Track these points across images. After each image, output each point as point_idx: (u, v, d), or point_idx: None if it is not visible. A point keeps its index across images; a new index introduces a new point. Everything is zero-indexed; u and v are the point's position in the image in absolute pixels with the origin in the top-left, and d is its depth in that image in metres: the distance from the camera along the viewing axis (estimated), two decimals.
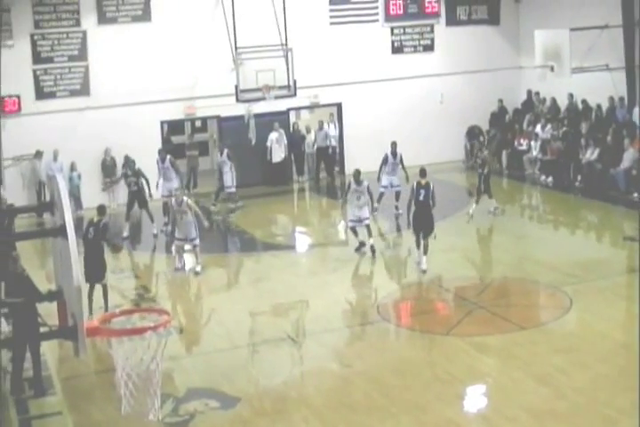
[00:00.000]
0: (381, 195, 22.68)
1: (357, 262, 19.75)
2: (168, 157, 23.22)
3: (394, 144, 22.82)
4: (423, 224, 18.47)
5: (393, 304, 17.40)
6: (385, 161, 22.77)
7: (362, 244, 19.94)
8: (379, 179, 22.74)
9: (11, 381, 13.23)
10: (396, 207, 22.79)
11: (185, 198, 19.13)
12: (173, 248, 19.67)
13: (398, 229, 22.03)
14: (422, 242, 18.43)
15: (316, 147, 28.29)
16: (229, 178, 24.61)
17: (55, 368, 14.17)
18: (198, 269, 19.18)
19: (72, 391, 13.44)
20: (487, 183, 22.41)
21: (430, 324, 15.89)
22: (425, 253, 18.38)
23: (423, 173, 18.72)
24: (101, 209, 16.91)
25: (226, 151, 24.67)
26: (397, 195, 22.77)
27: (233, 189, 24.81)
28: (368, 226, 19.87)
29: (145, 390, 11.35)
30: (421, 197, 18.32)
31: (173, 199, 19.44)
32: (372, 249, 19.68)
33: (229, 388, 13.19)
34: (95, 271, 16.20)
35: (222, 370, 13.91)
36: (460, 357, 14.02)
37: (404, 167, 22.57)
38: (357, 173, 19.76)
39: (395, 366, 13.83)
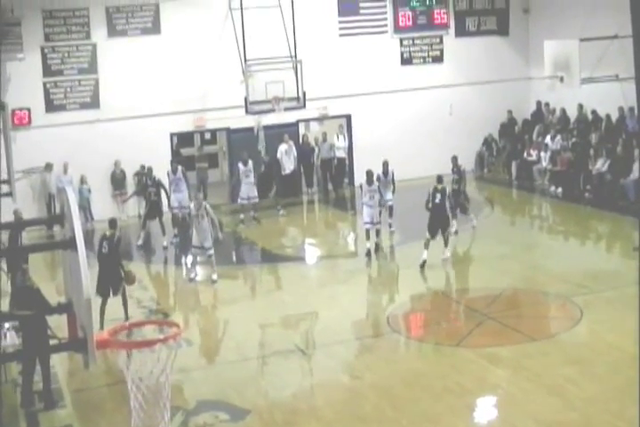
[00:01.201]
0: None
1: (367, 274, 19.78)
2: (180, 167, 23.43)
3: (386, 164, 22.09)
4: (439, 224, 19.77)
5: (403, 316, 17.39)
6: (372, 182, 21.25)
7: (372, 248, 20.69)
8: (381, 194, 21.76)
9: (21, 393, 13.25)
10: (390, 225, 22.33)
11: (204, 202, 19.36)
12: (189, 258, 19.82)
13: (405, 242, 21.94)
14: (443, 236, 19.81)
15: (320, 159, 28.29)
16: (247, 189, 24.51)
17: (65, 381, 14.18)
18: (215, 277, 19.27)
19: (82, 404, 13.46)
20: (460, 198, 21.94)
21: (440, 335, 15.91)
22: (446, 245, 19.89)
23: (440, 179, 20.18)
24: (113, 223, 16.93)
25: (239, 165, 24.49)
26: (391, 209, 22.42)
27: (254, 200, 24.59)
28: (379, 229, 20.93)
29: (155, 402, 11.37)
30: (437, 201, 19.78)
31: (192, 203, 19.64)
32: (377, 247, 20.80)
33: (239, 400, 13.18)
34: (112, 284, 16.30)
35: (232, 382, 13.89)
36: (470, 368, 13.99)
37: (394, 182, 22.23)
38: (370, 174, 20.86)
39: (405, 378, 13.79)
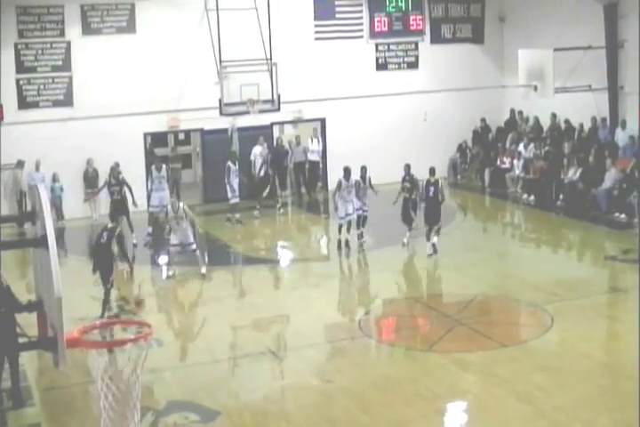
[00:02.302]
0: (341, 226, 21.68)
1: (339, 278, 19.79)
2: (164, 166, 23.61)
3: (364, 169, 21.86)
4: (433, 216, 20.60)
5: (374, 320, 17.39)
6: (349, 177, 21.54)
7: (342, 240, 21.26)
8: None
9: None
10: (361, 235, 21.91)
11: (181, 204, 19.46)
12: (166, 256, 19.84)
13: (378, 247, 21.92)
14: (433, 229, 20.60)
15: (293, 162, 28.25)
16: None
17: (34, 379, 14.03)
18: (203, 270, 19.55)
19: (51, 403, 13.33)
20: (408, 210, 21.52)
21: (412, 340, 15.93)
22: (437, 235, 20.72)
23: (433, 171, 21.04)
24: (115, 216, 17.98)
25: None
26: (365, 219, 21.98)
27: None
28: (350, 221, 21.26)
29: (124, 402, 11.25)
30: (431, 194, 20.54)
31: (169, 206, 19.72)
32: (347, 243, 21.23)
33: (209, 401, 13.10)
34: (102, 274, 16.82)
35: (203, 383, 13.81)
36: (441, 373, 13.98)
37: (372, 187, 22.05)
38: (348, 170, 21.34)
39: (376, 382, 13.76)
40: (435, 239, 20.67)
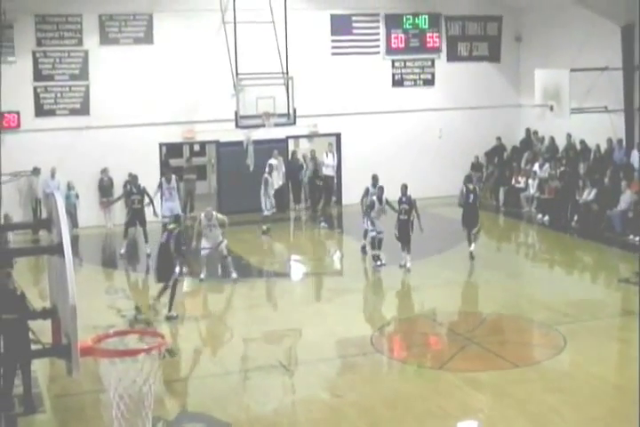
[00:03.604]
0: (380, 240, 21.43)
1: (353, 293, 19.74)
2: (174, 177, 23.85)
3: (381, 188, 21.44)
4: (470, 221, 21.77)
5: (387, 336, 17.32)
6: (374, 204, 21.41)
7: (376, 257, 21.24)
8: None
9: (0, 397, 13.07)
10: (377, 257, 21.40)
11: (214, 213, 20.07)
12: (200, 260, 20.16)
13: (390, 263, 21.79)
14: (471, 234, 21.78)
15: (308, 176, 28.27)
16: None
17: (46, 386, 14.03)
18: (234, 275, 20.17)
19: (62, 410, 13.32)
20: (407, 232, 21.00)
21: (423, 357, 15.86)
22: (475, 241, 21.97)
23: (470, 179, 23.13)
24: (177, 218, 18.70)
25: None
26: (380, 242, 21.41)
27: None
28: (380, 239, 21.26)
29: (136, 412, 11.22)
30: (470, 200, 21.87)
31: (203, 214, 20.08)
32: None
33: (220, 413, 13.05)
34: (162, 272, 17.76)
35: (214, 395, 13.77)
36: (452, 392, 13.89)
37: (391, 206, 21.68)
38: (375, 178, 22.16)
39: (386, 399, 13.70)
40: (472, 246, 21.67)
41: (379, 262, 21.24)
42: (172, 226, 18.08)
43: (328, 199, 28.51)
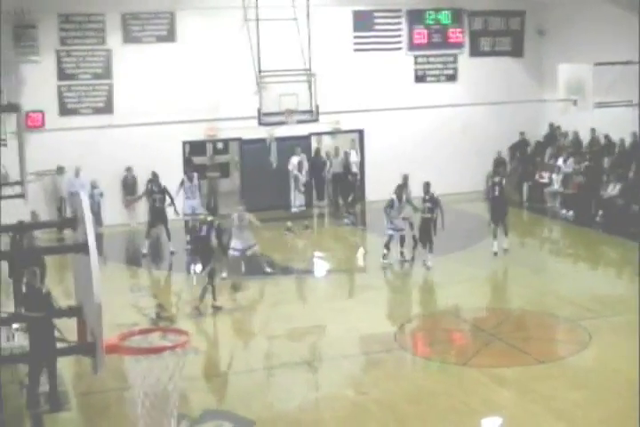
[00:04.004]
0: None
1: (376, 289, 19.76)
2: (196, 175, 23.85)
3: (400, 187, 21.42)
4: (499, 214, 21.76)
5: (410, 333, 17.38)
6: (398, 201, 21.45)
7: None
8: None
9: (27, 395, 13.19)
10: (401, 254, 21.61)
11: (247, 214, 20.10)
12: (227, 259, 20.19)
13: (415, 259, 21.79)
14: (501, 226, 21.72)
15: (332, 173, 28.30)
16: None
17: (72, 384, 14.15)
18: (268, 270, 20.58)
19: (88, 408, 13.46)
20: (429, 231, 20.87)
21: (447, 354, 15.86)
22: (506, 234, 21.87)
23: (497, 171, 23.38)
24: (214, 211, 18.84)
25: None
26: (403, 240, 21.55)
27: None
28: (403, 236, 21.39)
29: (161, 409, 11.27)
30: (497, 193, 21.88)
31: (235, 214, 20.15)
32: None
33: (244, 410, 13.12)
34: (202, 261, 18.19)
35: (238, 392, 13.88)
36: (476, 388, 13.91)
37: (412, 204, 21.96)
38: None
39: (411, 395, 13.72)
40: (505, 244, 21.70)
41: (386, 261, 21.19)
42: (210, 218, 18.48)
43: (357, 196, 28.43)
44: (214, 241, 18.13)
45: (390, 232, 21.16)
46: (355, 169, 28.21)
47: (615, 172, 25.17)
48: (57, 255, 18.02)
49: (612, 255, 23.19)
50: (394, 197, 21.08)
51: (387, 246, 21.15)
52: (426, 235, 20.82)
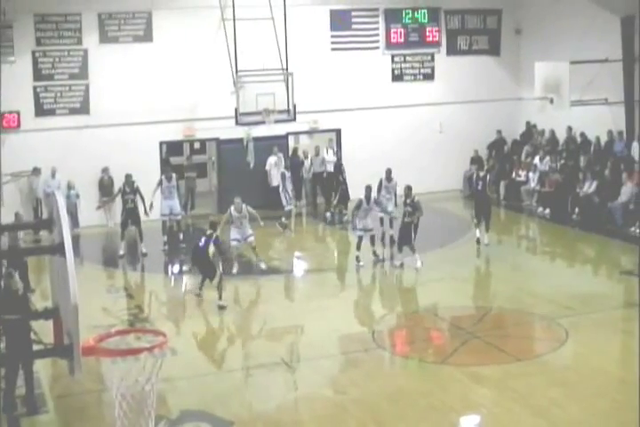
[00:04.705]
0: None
1: (354, 289, 19.77)
2: (174, 175, 23.74)
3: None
4: (483, 210, 22.12)
5: (389, 332, 17.36)
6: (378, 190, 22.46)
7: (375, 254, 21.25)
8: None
9: (3, 398, 13.10)
10: (373, 253, 21.51)
11: (244, 205, 20.32)
12: (231, 251, 20.48)
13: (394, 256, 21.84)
14: (483, 222, 22.05)
15: (312, 172, 28.25)
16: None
17: (48, 386, 14.05)
18: (263, 266, 20.82)
19: (65, 410, 13.34)
20: (409, 235, 20.77)
21: (425, 352, 15.86)
22: (487, 230, 22.19)
23: (481, 166, 23.73)
24: (213, 224, 18.66)
25: None
26: (373, 238, 21.37)
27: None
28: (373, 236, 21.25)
29: (139, 411, 11.26)
30: (479, 188, 22.15)
31: (232, 207, 20.34)
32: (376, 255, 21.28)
33: (223, 411, 13.07)
34: (205, 273, 18.45)
35: (216, 393, 13.79)
36: (455, 386, 13.91)
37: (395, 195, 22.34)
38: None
39: (389, 395, 13.70)
40: (485, 239, 21.96)
41: (361, 263, 21.03)
42: (208, 232, 18.41)
43: (328, 195, 28.35)
44: (212, 251, 18.08)
45: (359, 233, 21.04)
46: (329, 168, 28.00)
47: (591, 170, 25.26)
48: (33, 257, 18.14)
49: (589, 253, 23.29)
50: (362, 197, 20.98)
51: (358, 248, 21.11)
52: (405, 239, 20.75)
